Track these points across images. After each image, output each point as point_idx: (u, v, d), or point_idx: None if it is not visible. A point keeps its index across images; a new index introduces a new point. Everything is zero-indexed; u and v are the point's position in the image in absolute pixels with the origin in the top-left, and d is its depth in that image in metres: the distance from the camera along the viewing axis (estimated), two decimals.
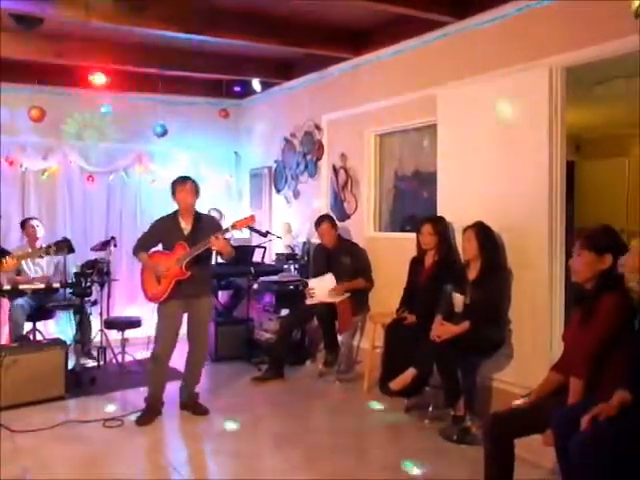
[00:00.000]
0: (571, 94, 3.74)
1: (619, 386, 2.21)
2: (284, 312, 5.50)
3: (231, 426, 3.90)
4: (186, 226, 4.05)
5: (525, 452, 2.64)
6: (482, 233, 3.80)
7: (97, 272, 5.04)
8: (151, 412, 3.98)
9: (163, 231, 4.08)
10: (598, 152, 7.58)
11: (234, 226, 3.99)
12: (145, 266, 4.09)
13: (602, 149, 7.54)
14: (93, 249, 5.38)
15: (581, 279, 2.58)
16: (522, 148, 3.83)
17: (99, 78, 5.67)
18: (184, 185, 4.02)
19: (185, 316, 4.09)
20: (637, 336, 2.27)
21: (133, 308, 6.02)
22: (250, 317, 5.77)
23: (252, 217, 4.10)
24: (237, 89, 6.54)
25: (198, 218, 4.09)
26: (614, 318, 2.43)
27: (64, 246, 4.02)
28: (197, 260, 3.93)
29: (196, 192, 4.07)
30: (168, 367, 4.08)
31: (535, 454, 2.82)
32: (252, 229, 5.79)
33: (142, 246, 4.11)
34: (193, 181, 4.09)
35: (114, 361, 5.21)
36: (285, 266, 5.80)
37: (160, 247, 4.10)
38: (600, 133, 7.32)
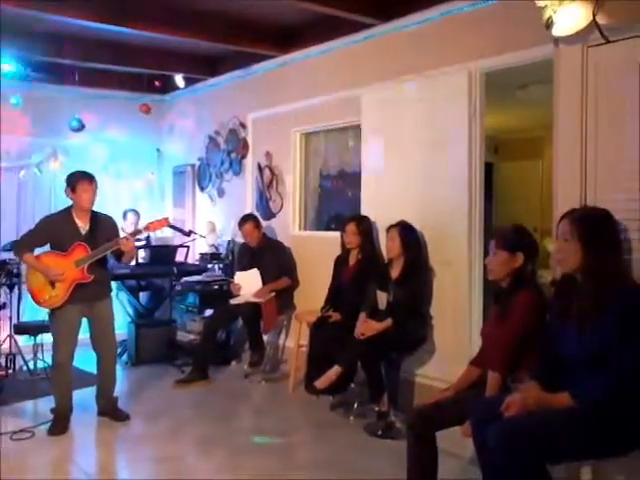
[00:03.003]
0: (494, 97, 3.87)
1: (531, 378, 2.31)
2: (208, 312, 5.40)
3: (152, 431, 3.78)
4: (83, 225, 3.77)
5: (446, 443, 2.70)
6: (405, 232, 3.87)
7: (6, 274, 4.76)
8: (61, 420, 3.77)
9: (55, 231, 3.75)
10: (515, 154, 7.94)
11: (147, 228, 3.88)
12: (34, 268, 3.73)
13: (519, 151, 7.90)
14: (2, 249, 5.07)
15: (496, 277, 2.68)
16: (443, 149, 3.93)
17: (7, 67, 5.33)
18: (90, 185, 3.74)
19: (85, 320, 3.85)
20: (548, 330, 2.38)
21: (46, 312, 5.68)
22: (173, 318, 5.62)
23: (166, 219, 4.00)
24: (158, 84, 6.33)
25: (95, 217, 3.83)
26: (528, 314, 2.54)
27: None
28: (96, 261, 3.72)
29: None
30: (72, 372, 3.87)
31: (455, 445, 2.89)
32: (174, 228, 5.63)
33: (27, 246, 3.75)
34: (96, 179, 3.83)
35: (24, 368, 4.91)
36: (209, 266, 5.70)
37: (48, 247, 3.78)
38: (517, 136, 7.67)
